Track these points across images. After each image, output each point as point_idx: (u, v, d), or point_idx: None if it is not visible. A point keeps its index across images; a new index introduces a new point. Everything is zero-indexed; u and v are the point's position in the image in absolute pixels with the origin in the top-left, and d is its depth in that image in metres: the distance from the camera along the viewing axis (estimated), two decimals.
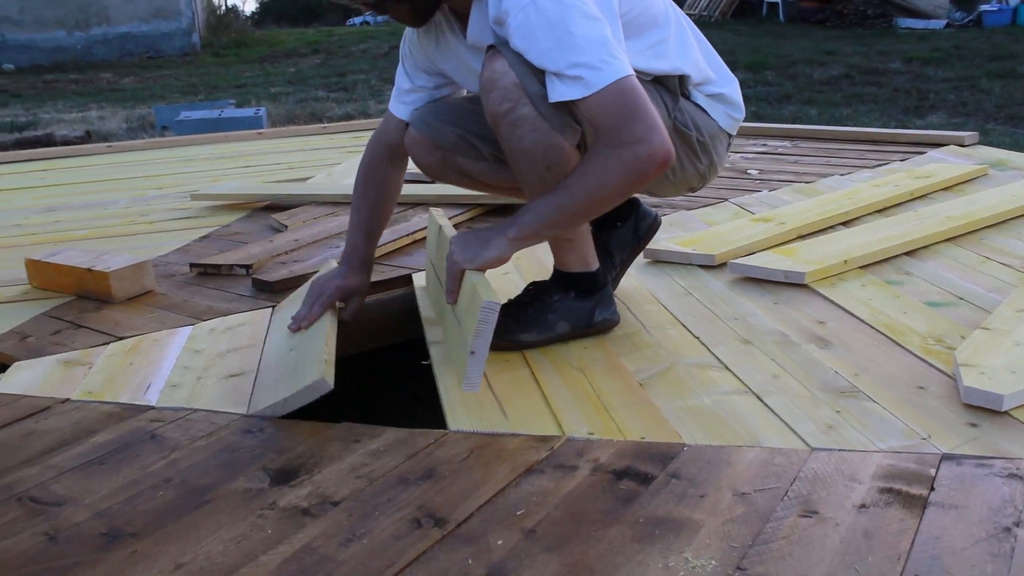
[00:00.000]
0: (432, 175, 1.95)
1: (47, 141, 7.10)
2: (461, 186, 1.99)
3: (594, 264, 1.87)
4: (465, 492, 1.30)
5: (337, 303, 1.90)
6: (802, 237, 2.48)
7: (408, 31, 1.92)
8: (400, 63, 1.97)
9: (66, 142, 7.01)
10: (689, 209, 2.89)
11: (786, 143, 4.01)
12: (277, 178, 3.81)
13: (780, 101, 7.90)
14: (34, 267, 2.47)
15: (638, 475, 1.33)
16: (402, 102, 1.95)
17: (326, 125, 5.51)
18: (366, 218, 1.96)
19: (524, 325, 1.81)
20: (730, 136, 1.93)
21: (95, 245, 2.77)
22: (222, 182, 3.77)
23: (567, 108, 1.61)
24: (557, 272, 1.87)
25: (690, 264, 2.30)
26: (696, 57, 1.84)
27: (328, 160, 4.20)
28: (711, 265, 2.28)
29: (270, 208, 3.27)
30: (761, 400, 1.56)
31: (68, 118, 8.95)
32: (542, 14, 1.54)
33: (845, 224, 2.60)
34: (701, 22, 15.59)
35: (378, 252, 2.47)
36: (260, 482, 1.36)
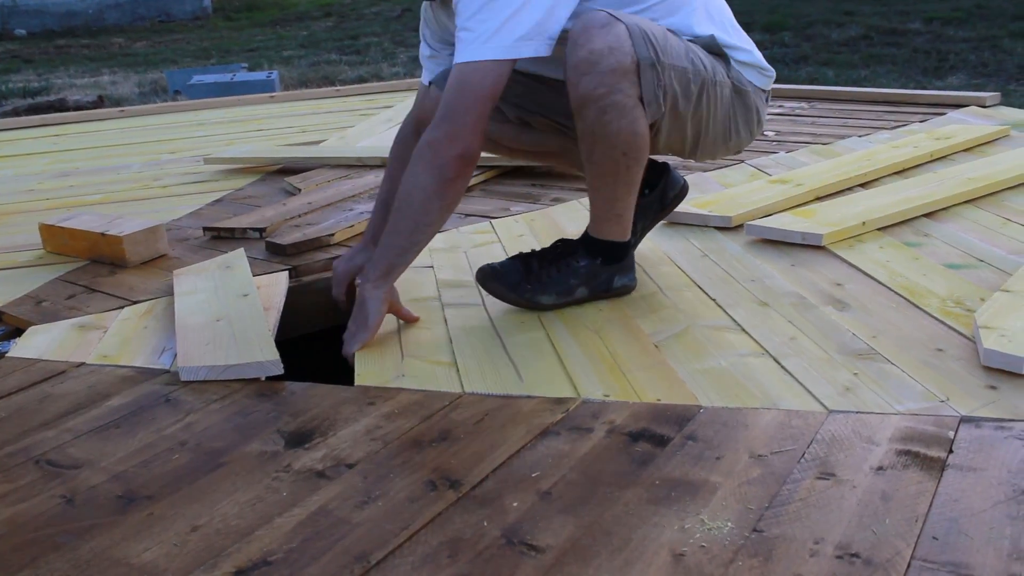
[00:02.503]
0: None
1: (60, 106, 7.09)
2: (483, 150, 1.97)
3: (628, 234, 1.85)
4: (480, 454, 1.30)
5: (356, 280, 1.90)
6: (819, 199, 2.45)
7: (423, 5, 1.91)
8: (421, 39, 1.97)
9: (79, 107, 7.00)
10: (705, 171, 2.86)
11: (803, 104, 3.96)
12: (290, 141, 3.79)
13: (797, 62, 7.79)
14: (48, 232, 2.47)
15: (654, 437, 1.33)
16: (429, 70, 1.95)
17: (339, 88, 5.47)
18: (387, 192, 1.96)
19: (545, 286, 1.79)
20: (767, 92, 1.91)
21: (108, 210, 2.77)
22: (235, 146, 3.76)
23: (654, 90, 1.64)
24: (591, 239, 1.83)
25: (706, 226, 2.28)
26: (726, 25, 1.83)
27: (341, 123, 4.17)
28: (728, 227, 2.25)
29: (283, 171, 3.25)
30: (778, 362, 1.55)
31: (80, 83, 8.94)
32: None
33: (863, 186, 2.57)
34: None
35: None
36: (275, 445, 1.36)
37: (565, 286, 1.80)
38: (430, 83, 1.93)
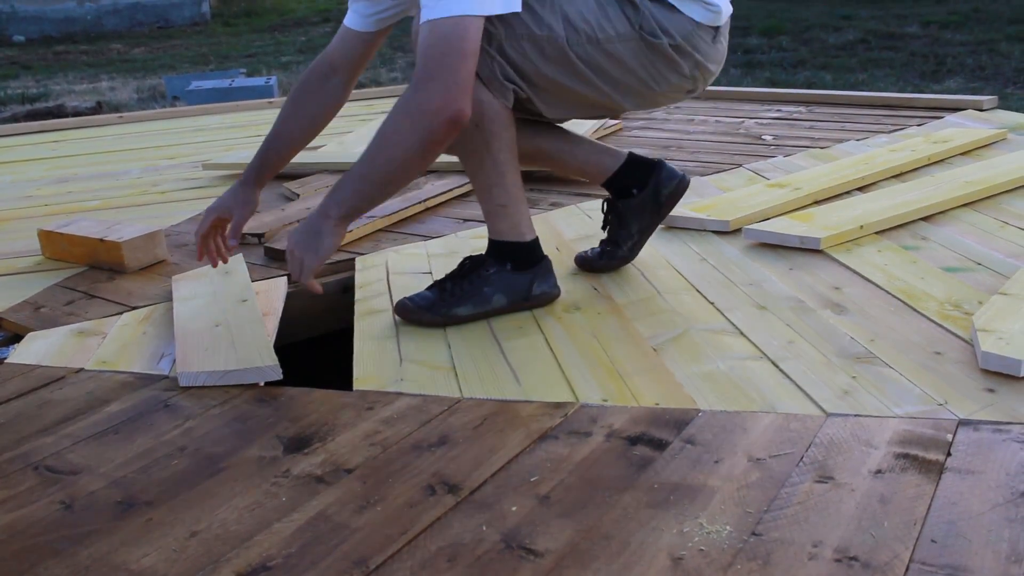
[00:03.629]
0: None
1: (58, 112, 7.10)
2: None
3: (528, 235, 1.83)
4: (479, 459, 1.30)
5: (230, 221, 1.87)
6: (818, 203, 2.45)
7: None
8: None
9: (77, 113, 7.00)
10: (703, 175, 2.87)
11: (801, 108, 3.97)
12: None
13: (795, 67, 7.81)
14: (47, 238, 2.47)
15: (652, 441, 1.33)
16: (357, 12, 1.86)
17: None
18: (272, 133, 1.91)
19: (459, 299, 1.79)
20: (715, 28, 1.82)
21: (107, 215, 2.77)
22: (234, 151, 3.76)
23: (499, 68, 1.64)
24: (492, 243, 1.83)
25: (704, 230, 2.28)
26: None
27: (339, 128, 4.17)
28: (725, 231, 2.26)
29: (281, 177, 3.24)
30: (776, 366, 1.55)
31: (79, 89, 8.95)
32: None
33: (861, 189, 2.57)
34: None
35: (388, 222, 2.47)
36: (274, 450, 1.36)
37: (479, 295, 1.79)
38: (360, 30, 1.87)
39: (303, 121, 1.91)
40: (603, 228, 2.05)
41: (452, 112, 1.53)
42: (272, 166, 1.91)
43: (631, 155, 2.01)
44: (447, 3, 1.53)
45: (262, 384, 1.60)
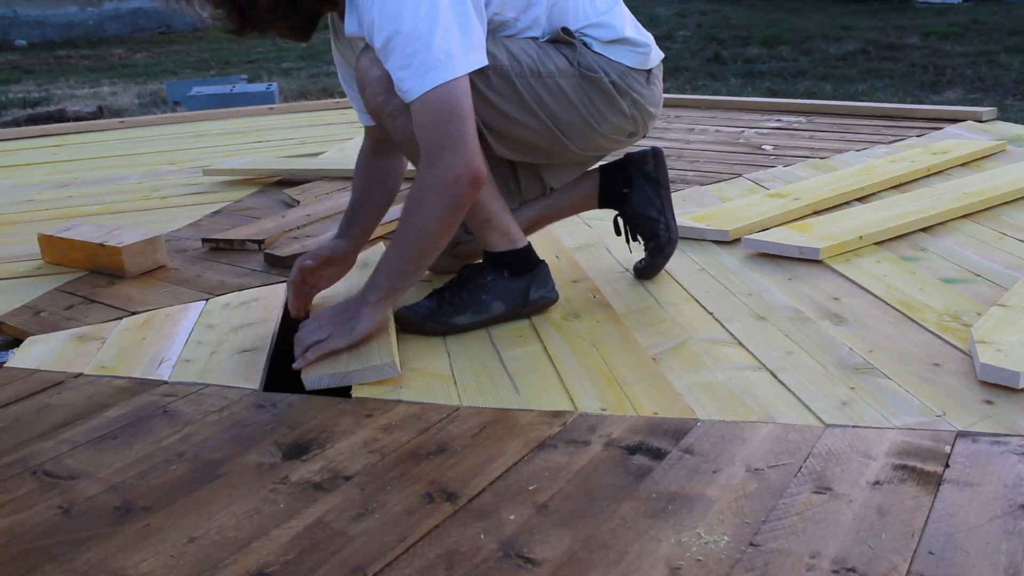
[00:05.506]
0: None
1: (59, 117, 7.10)
2: None
3: (520, 241, 1.84)
4: (477, 467, 1.30)
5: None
6: (817, 213, 2.46)
7: (332, 45, 1.95)
8: (340, 77, 2.01)
9: (78, 118, 7.01)
10: (702, 184, 2.87)
11: (801, 119, 3.98)
12: (289, 153, 3.80)
13: (795, 77, 7.82)
14: (47, 242, 2.48)
15: (651, 450, 1.33)
16: (358, 111, 1.96)
17: (338, 100, 5.49)
18: (353, 201, 1.99)
19: (458, 308, 1.79)
20: (648, 71, 1.86)
21: (108, 220, 2.77)
22: (234, 157, 3.76)
23: None
24: (487, 253, 1.85)
25: (704, 240, 2.28)
26: (584, 9, 1.80)
27: (340, 135, 4.18)
28: (725, 241, 2.26)
29: (282, 183, 3.26)
30: (775, 376, 1.55)
31: (80, 94, 8.96)
32: (380, 10, 1.56)
33: (860, 200, 2.58)
34: None
35: (388, 229, 2.47)
36: (272, 457, 1.36)
37: (478, 303, 1.80)
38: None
39: (377, 186, 1.99)
40: (631, 241, 2.05)
41: (471, 175, 1.58)
42: (360, 224, 1.99)
43: (601, 167, 2.04)
44: (423, 76, 1.55)
45: (260, 390, 1.60)
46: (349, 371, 1.60)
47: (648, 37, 1.88)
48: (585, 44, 1.80)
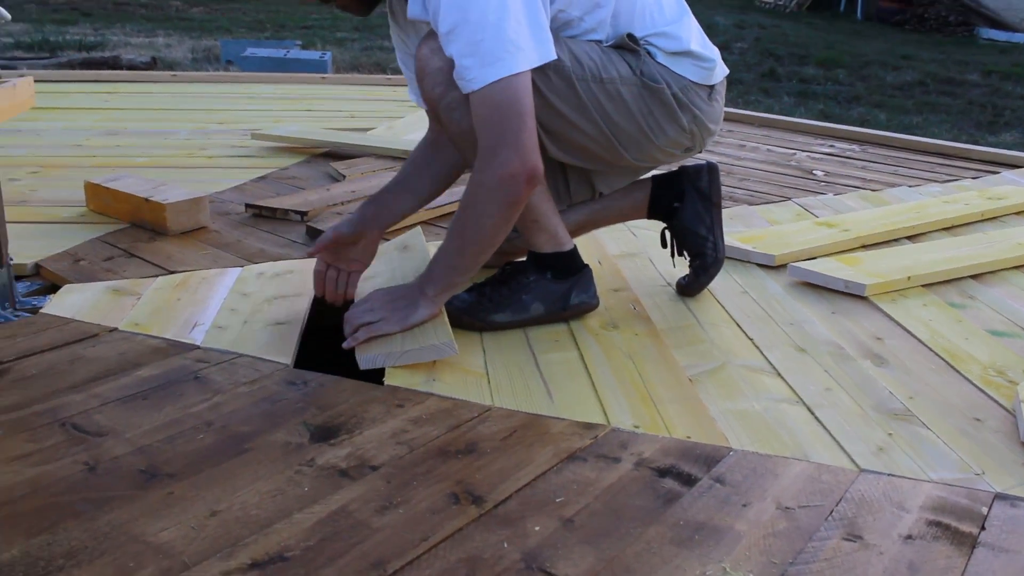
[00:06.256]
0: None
1: (113, 63, 7.14)
2: None
3: (567, 244, 1.82)
4: (505, 472, 1.29)
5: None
6: (865, 247, 2.42)
7: (391, 24, 1.90)
8: (399, 60, 1.97)
9: (132, 67, 7.05)
10: (751, 204, 2.84)
11: (854, 147, 3.92)
12: (338, 125, 3.79)
13: (850, 102, 7.74)
14: (93, 191, 2.49)
15: (681, 475, 1.31)
16: (415, 93, 1.90)
17: (390, 76, 5.48)
18: (404, 173, 1.92)
19: (498, 305, 1.78)
20: (711, 87, 1.84)
21: (153, 174, 2.77)
22: (283, 124, 3.76)
23: None
24: (531, 253, 1.83)
25: (748, 262, 2.25)
26: (652, 16, 1.78)
27: (390, 112, 4.17)
28: (770, 265, 2.23)
29: (329, 155, 3.26)
30: (812, 412, 1.53)
31: (135, 42, 9.01)
32: None
33: (911, 238, 2.54)
34: (776, 12, 15.32)
35: (431, 215, 2.46)
36: (300, 437, 1.36)
37: (518, 303, 1.78)
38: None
39: (422, 170, 1.93)
40: (676, 255, 2.02)
41: (528, 172, 1.56)
42: (388, 214, 1.89)
43: (654, 177, 2.01)
44: (488, 67, 1.53)
45: (292, 367, 1.60)
46: (406, 350, 1.58)
47: (714, 52, 1.85)
48: (649, 53, 1.77)
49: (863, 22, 14.70)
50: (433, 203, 2.46)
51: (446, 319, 1.68)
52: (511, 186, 1.56)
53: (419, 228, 2.22)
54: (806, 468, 1.35)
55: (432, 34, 1.63)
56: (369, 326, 1.63)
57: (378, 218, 1.86)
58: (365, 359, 1.58)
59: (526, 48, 1.55)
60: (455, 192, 2.63)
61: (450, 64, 1.59)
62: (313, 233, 2.31)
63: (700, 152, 1.94)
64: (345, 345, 1.63)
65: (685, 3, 1.85)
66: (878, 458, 1.39)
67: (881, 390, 1.62)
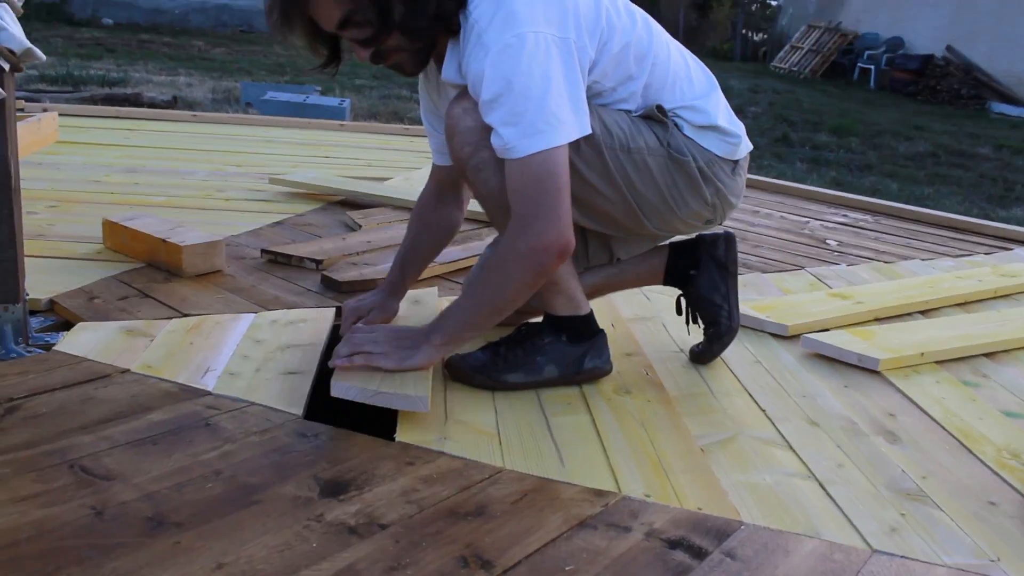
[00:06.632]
0: None
1: (135, 100, 7.23)
2: None
3: (583, 308, 1.82)
4: (515, 536, 1.27)
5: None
6: (879, 320, 2.42)
7: (421, 81, 1.93)
8: (422, 114, 2.00)
9: (153, 105, 7.13)
10: (764, 272, 2.84)
11: (867, 217, 3.94)
12: (355, 173, 3.82)
13: (861, 170, 7.79)
14: (110, 228, 2.50)
15: (692, 548, 1.29)
16: (433, 149, 1.98)
17: (408, 126, 5.53)
18: (405, 248, 2.00)
19: (512, 365, 1.77)
20: (735, 162, 1.86)
21: (170, 214, 2.79)
22: (301, 169, 3.80)
23: None
24: (547, 315, 1.83)
25: (762, 331, 2.25)
26: (682, 89, 1.80)
27: (407, 163, 4.21)
28: (783, 335, 2.23)
29: (345, 204, 3.28)
30: (824, 488, 1.51)
31: (157, 80, 9.12)
32: (493, 64, 1.54)
33: (924, 313, 2.53)
34: (790, 77, 15.50)
35: (446, 269, 2.47)
36: (310, 491, 1.34)
37: (532, 364, 1.78)
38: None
39: (431, 235, 2.01)
40: (691, 323, 2.02)
41: (561, 246, 1.58)
42: (410, 277, 2.02)
43: (671, 244, 2.02)
44: (530, 138, 1.55)
45: (303, 419, 1.59)
46: (380, 391, 1.57)
47: (740, 128, 1.87)
48: (676, 125, 1.79)
49: (876, 91, 14.87)
50: (448, 258, 2.49)
51: (430, 374, 1.67)
52: (543, 257, 1.58)
53: (436, 288, 2.24)
54: (818, 546, 1.34)
55: (465, 94, 1.65)
56: (368, 355, 1.64)
57: (400, 294, 2.01)
58: (339, 386, 1.57)
59: (567, 122, 1.57)
60: (472, 247, 2.66)
61: (481, 124, 1.61)
62: (328, 283, 2.32)
63: (720, 224, 1.95)
64: (332, 363, 1.65)
65: (714, 79, 1.87)
66: (891, 539, 1.37)
67: (894, 468, 1.61)
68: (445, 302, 2.22)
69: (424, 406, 1.57)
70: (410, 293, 2.12)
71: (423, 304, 2.11)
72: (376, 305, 1.94)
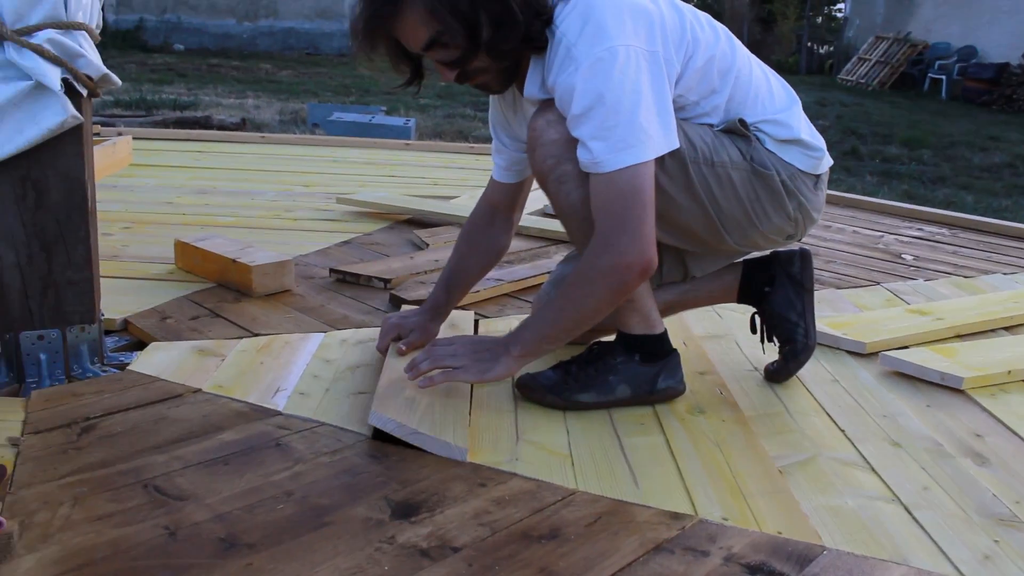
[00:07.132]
0: None
1: (205, 123, 7.38)
2: None
3: (658, 327, 1.79)
4: (590, 560, 1.24)
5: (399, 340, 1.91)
6: (960, 337, 2.33)
7: (493, 97, 1.90)
8: (491, 128, 1.97)
9: (222, 127, 7.28)
10: (838, 288, 2.77)
11: (944, 231, 3.83)
12: (421, 192, 3.83)
13: (935, 183, 7.60)
14: (182, 249, 2.54)
15: (773, 573, 1.25)
16: (498, 166, 1.95)
17: (472, 145, 5.55)
18: (451, 269, 1.97)
19: (584, 384, 1.74)
20: (817, 176, 1.82)
21: (239, 234, 2.83)
22: (367, 188, 3.82)
23: None
24: (621, 334, 1.79)
25: (838, 349, 2.18)
26: (764, 103, 1.77)
27: (472, 181, 4.21)
28: (861, 353, 2.16)
29: (412, 222, 3.29)
30: (910, 513, 1.45)
31: (226, 103, 9.31)
32: (584, 78, 1.52)
33: (1008, 329, 2.44)
34: (858, 90, 15.24)
35: (515, 287, 2.45)
36: (381, 512, 1.33)
37: (604, 384, 1.75)
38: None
39: (479, 257, 1.99)
40: (766, 341, 1.97)
41: (644, 264, 1.57)
42: (455, 299, 2.00)
43: (746, 261, 1.98)
44: (619, 152, 1.54)
45: (372, 439, 1.58)
46: (418, 432, 1.53)
47: (822, 142, 1.82)
48: (759, 139, 1.75)
49: (948, 101, 14.52)
50: (517, 276, 2.47)
51: (467, 422, 1.63)
52: (625, 275, 1.56)
53: (472, 313, 2.23)
54: (907, 573, 1.28)
55: (547, 107, 1.63)
56: (448, 371, 1.64)
57: (444, 315, 1.98)
58: (378, 418, 1.55)
59: (655, 136, 1.56)
60: (540, 265, 2.64)
61: (564, 137, 1.59)
62: (397, 301, 2.31)
63: (800, 240, 1.90)
64: (411, 377, 1.65)
65: (794, 93, 1.84)
66: (984, 567, 1.31)
67: (984, 492, 1.54)
68: (515, 322, 2.20)
69: (462, 456, 1.52)
70: (452, 320, 2.08)
71: (459, 328, 2.08)
72: (417, 327, 1.92)
